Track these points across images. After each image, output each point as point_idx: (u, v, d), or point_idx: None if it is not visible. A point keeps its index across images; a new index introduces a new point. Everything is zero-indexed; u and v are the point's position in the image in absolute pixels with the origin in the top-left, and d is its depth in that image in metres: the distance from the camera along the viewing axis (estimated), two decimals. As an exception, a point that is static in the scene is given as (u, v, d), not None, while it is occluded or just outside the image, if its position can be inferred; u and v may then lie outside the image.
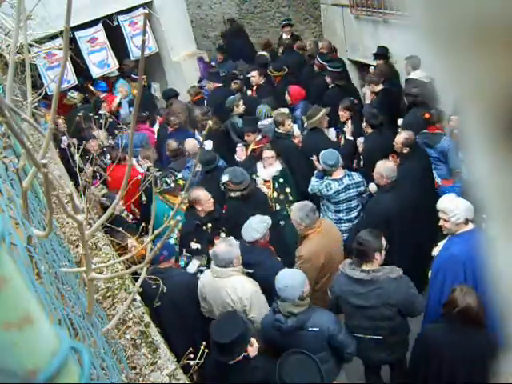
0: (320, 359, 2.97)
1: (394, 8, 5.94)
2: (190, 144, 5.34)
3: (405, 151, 4.41)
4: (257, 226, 3.71)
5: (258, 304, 3.39)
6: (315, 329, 3.05)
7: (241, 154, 5.44)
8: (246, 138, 5.38)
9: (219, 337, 2.77)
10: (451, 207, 3.32)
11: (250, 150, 5.28)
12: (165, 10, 7.92)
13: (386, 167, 4.04)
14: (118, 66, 7.83)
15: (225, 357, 2.80)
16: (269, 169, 4.79)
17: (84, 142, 3.48)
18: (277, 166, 4.77)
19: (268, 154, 4.76)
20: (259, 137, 5.30)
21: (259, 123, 5.66)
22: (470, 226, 3.33)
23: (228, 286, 3.37)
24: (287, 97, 6.20)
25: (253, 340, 2.91)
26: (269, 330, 3.17)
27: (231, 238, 3.63)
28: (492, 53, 0.23)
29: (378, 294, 3.12)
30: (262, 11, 10.63)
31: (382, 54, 6.39)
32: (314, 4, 9.45)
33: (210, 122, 1.40)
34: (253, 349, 2.87)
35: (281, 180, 4.73)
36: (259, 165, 4.89)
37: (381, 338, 3.23)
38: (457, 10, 0.24)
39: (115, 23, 7.46)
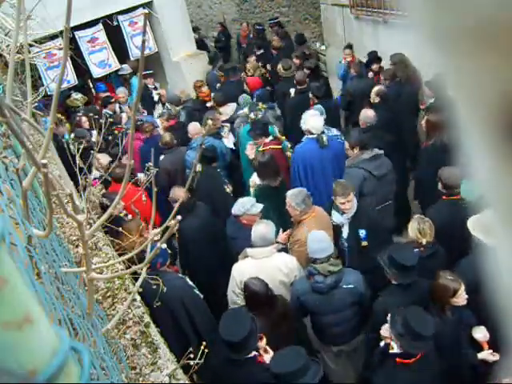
0: (351, 314, 3.40)
1: (394, 8, 5.94)
2: (192, 126, 5.67)
3: (376, 100, 5.53)
4: (243, 205, 4.05)
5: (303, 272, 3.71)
6: (350, 286, 3.34)
7: (250, 151, 5.31)
8: (255, 141, 5.35)
9: (230, 336, 2.78)
10: (304, 116, 4.95)
11: (259, 150, 5.19)
12: (165, 10, 7.91)
13: (362, 114, 5.19)
14: (119, 66, 7.83)
15: (237, 354, 2.80)
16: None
17: (83, 140, 3.49)
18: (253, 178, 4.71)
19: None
20: (269, 138, 5.27)
21: (238, 112, 5.99)
22: (312, 136, 4.81)
23: (278, 262, 3.60)
24: (246, 87, 7.00)
25: (263, 344, 2.94)
26: (305, 295, 3.38)
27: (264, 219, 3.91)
28: (493, 53, 0.23)
29: None
30: (262, 11, 10.63)
31: (375, 58, 6.46)
32: (314, 4, 9.45)
33: (209, 122, 1.39)
34: (268, 356, 2.90)
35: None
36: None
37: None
38: (457, 10, 0.24)
39: (115, 23, 7.45)
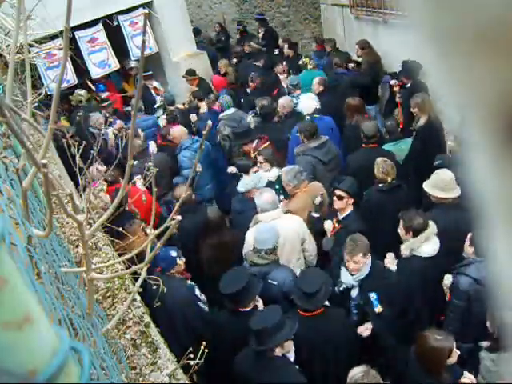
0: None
1: (394, 8, 5.93)
2: (176, 130, 5.84)
3: (321, 89, 6.05)
4: (250, 181, 4.42)
5: (309, 234, 4.01)
6: (274, 282, 3.43)
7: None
8: (243, 149, 5.41)
9: (227, 288, 3.11)
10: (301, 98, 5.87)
11: (253, 156, 5.15)
12: (165, 10, 7.90)
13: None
14: (118, 66, 7.82)
15: (236, 304, 3.10)
16: (267, 174, 4.73)
17: (84, 142, 3.47)
18: (274, 172, 4.69)
19: (259, 158, 4.80)
20: (255, 142, 5.22)
21: (221, 114, 6.17)
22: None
23: (288, 222, 3.91)
24: (212, 86, 7.41)
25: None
26: None
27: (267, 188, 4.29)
28: (493, 53, 0.23)
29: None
30: (262, 11, 10.63)
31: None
32: (314, 4, 9.46)
33: (209, 123, 1.38)
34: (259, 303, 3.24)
35: (277, 186, 4.60)
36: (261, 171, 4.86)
37: None
38: (457, 10, 0.24)
39: (115, 23, 7.45)
